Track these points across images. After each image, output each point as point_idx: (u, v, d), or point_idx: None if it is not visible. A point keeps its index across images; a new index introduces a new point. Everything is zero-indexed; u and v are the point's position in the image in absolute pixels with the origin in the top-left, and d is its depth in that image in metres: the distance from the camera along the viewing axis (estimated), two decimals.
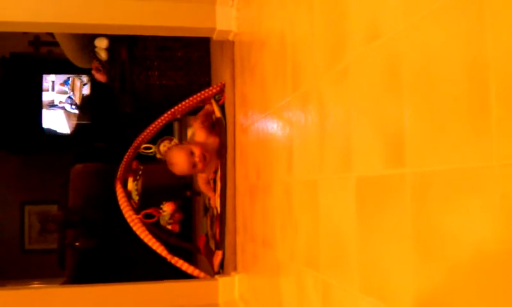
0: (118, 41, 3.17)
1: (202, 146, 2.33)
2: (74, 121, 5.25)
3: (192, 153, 2.28)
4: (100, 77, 3.38)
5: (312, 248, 1.13)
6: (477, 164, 0.56)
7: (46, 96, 5.25)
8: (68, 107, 5.24)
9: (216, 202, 2.39)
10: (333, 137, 1.00)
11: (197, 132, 2.46)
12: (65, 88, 5.24)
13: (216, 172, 2.39)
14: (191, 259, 3.04)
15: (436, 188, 0.65)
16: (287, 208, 1.34)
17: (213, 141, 2.39)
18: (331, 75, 1.02)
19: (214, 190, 2.41)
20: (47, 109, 5.24)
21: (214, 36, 2.18)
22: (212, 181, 2.45)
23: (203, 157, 2.28)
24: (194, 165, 2.29)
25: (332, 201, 1.01)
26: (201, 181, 2.52)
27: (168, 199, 2.60)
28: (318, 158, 1.09)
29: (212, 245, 2.51)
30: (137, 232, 2.37)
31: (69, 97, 5.23)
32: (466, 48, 0.59)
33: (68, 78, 5.25)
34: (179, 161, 2.30)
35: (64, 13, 2.01)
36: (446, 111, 0.62)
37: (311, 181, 1.13)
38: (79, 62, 3.55)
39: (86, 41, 3.23)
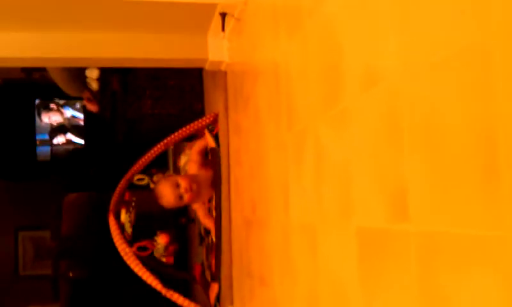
0: (109, 71, 3.14)
1: (190, 177, 2.30)
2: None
3: (178, 185, 2.25)
4: (91, 107, 3.35)
5: (312, 298, 1.09)
6: (487, 231, 0.53)
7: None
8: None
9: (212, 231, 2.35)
10: (331, 181, 0.97)
11: (189, 164, 2.43)
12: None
13: (210, 201, 2.36)
14: (187, 289, 2.99)
15: (443, 252, 0.61)
16: (284, 249, 1.30)
17: (205, 172, 2.36)
18: (328, 117, 0.99)
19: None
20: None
21: (206, 67, 2.16)
22: (207, 210, 2.42)
23: (190, 188, 2.24)
24: (180, 197, 2.26)
25: (332, 250, 0.97)
26: (201, 213, 2.47)
27: (162, 229, 2.55)
28: (316, 201, 1.06)
29: (208, 276, 2.46)
30: (131, 266, 2.32)
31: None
32: (472, 103, 0.55)
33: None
34: (166, 193, 2.27)
35: (56, 47, 1.98)
36: (452, 169, 0.59)
37: (309, 225, 1.10)
38: (70, 92, 3.53)
39: (77, 71, 3.21)
